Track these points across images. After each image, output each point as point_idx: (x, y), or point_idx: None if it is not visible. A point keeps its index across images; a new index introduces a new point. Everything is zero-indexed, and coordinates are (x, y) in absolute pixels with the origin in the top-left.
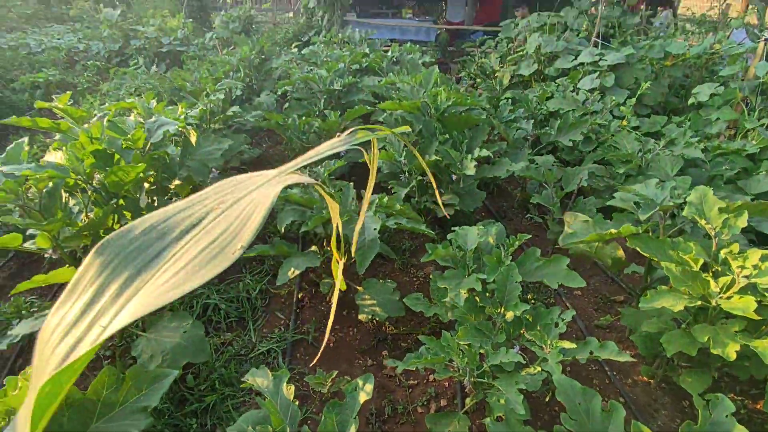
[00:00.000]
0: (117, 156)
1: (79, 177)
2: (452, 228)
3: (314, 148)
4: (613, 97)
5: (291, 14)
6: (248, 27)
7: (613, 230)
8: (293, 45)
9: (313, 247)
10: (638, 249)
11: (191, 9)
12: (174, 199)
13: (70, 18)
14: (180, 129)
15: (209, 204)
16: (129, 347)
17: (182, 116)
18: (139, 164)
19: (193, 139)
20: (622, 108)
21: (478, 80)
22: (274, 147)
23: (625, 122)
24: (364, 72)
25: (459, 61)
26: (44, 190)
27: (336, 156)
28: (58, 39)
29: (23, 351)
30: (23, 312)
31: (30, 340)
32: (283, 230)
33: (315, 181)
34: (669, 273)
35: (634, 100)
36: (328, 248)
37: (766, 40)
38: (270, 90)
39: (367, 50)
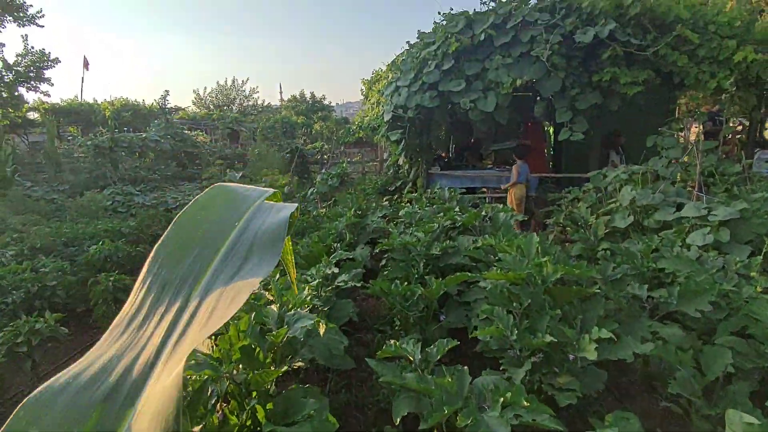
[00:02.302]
0: (258, 349)
1: (226, 373)
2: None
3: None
4: (736, 258)
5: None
6: (343, 180)
7: None
8: (384, 198)
9: None
10: None
11: (297, 166)
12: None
13: (200, 177)
14: (315, 324)
15: None
16: None
17: (308, 297)
18: (281, 368)
19: (321, 330)
20: (752, 274)
21: (568, 229)
22: (366, 300)
23: (759, 288)
24: (458, 230)
25: (544, 211)
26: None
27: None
28: (189, 196)
29: None
30: None
31: None
32: (398, 422)
33: None
34: None
35: (760, 258)
36: None
37: None
38: (364, 243)
39: (457, 208)
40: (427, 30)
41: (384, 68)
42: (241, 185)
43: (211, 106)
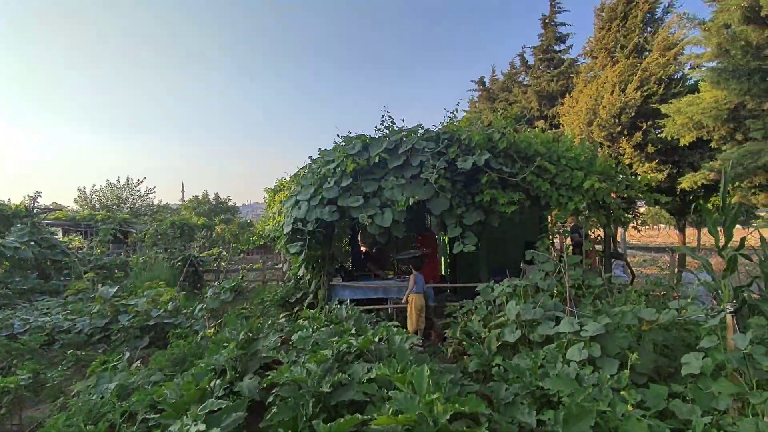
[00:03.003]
0: None
1: None
2: None
3: None
4: (607, 374)
5: (280, 269)
6: (240, 292)
7: None
8: (282, 315)
9: None
10: None
11: (188, 276)
12: None
13: (67, 291)
14: None
15: None
16: None
17: None
18: None
19: None
20: (623, 392)
21: (464, 343)
22: None
23: (630, 407)
24: (354, 355)
25: (442, 323)
26: None
27: None
28: (45, 316)
29: None
30: None
31: None
32: None
33: None
34: None
35: (627, 372)
36: None
37: (731, 312)
38: (254, 372)
39: (353, 330)
40: (329, 145)
41: (288, 177)
42: None
43: (98, 206)
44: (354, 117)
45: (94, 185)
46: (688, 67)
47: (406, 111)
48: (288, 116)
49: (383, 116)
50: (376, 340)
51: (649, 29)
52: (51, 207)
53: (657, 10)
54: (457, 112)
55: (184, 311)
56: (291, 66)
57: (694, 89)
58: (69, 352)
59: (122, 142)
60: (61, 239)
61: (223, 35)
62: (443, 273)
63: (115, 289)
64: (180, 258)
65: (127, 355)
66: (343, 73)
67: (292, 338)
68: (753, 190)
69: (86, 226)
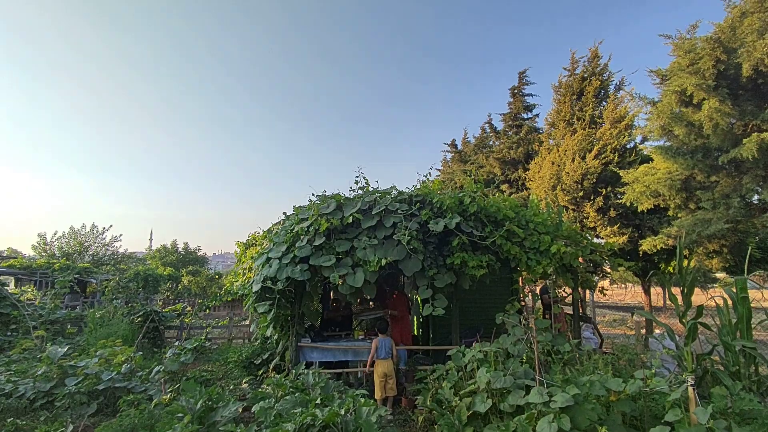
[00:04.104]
0: None
1: None
2: None
3: None
4: None
5: (248, 327)
6: (202, 352)
7: None
8: (245, 380)
9: None
10: None
11: (148, 333)
12: None
13: (10, 347)
14: None
15: None
16: None
17: None
18: None
19: None
20: None
21: (434, 412)
22: None
23: None
24: (319, 428)
25: (413, 388)
26: None
27: None
28: None
29: None
30: None
31: None
32: None
33: None
34: None
35: None
36: None
37: (692, 385)
38: None
39: (319, 399)
40: (304, 200)
41: (261, 231)
42: None
43: (58, 253)
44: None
45: (56, 232)
46: (639, 139)
47: (381, 165)
48: (263, 169)
49: (357, 177)
50: (342, 412)
51: (604, 103)
52: (4, 254)
53: (609, 86)
54: (430, 174)
55: (140, 373)
56: (272, 118)
57: (648, 159)
58: (9, 420)
59: (92, 187)
60: (12, 290)
61: (203, 85)
62: (416, 333)
63: (65, 348)
64: (141, 313)
65: (71, 427)
66: (319, 129)
67: (253, 408)
68: (709, 254)
69: (42, 275)
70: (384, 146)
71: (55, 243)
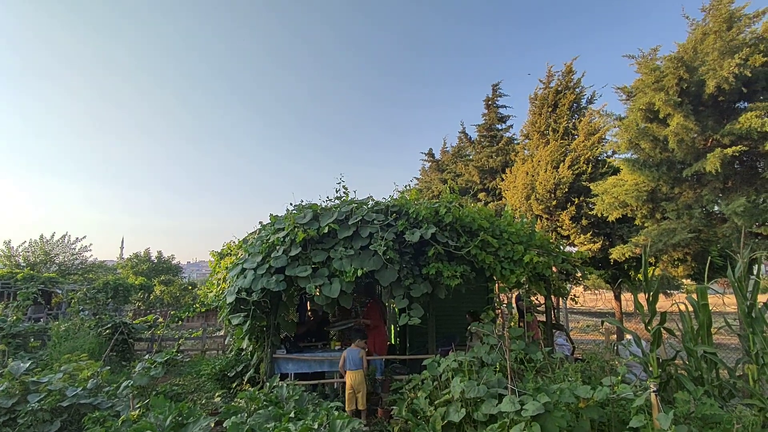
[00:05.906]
0: None
1: None
2: None
3: None
4: None
5: (222, 339)
6: (173, 365)
7: None
8: (218, 394)
9: None
10: None
11: (117, 345)
12: None
13: None
14: None
15: None
16: None
17: None
18: None
19: None
20: None
21: (410, 423)
22: None
23: None
24: None
25: (389, 399)
26: None
27: None
28: None
29: None
30: None
31: None
32: None
33: None
34: None
35: None
36: None
37: (654, 392)
38: None
39: (292, 413)
40: (281, 209)
41: (236, 241)
42: None
43: (23, 263)
44: (313, 174)
45: (24, 241)
46: (610, 152)
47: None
48: (239, 176)
49: (337, 187)
50: (316, 426)
51: (576, 116)
52: None
53: (582, 100)
54: (409, 186)
55: (107, 389)
56: (259, 122)
57: (618, 170)
58: None
59: (61, 191)
60: None
61: (193, 90)
62: (393, 342)
63: (28, 363)
64: (109, 325)
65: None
66: (307, 132)
67: (225, 423)
68: (674, 262)
69: (4, 286)
70: (371, 152)
71: (20, 252)
